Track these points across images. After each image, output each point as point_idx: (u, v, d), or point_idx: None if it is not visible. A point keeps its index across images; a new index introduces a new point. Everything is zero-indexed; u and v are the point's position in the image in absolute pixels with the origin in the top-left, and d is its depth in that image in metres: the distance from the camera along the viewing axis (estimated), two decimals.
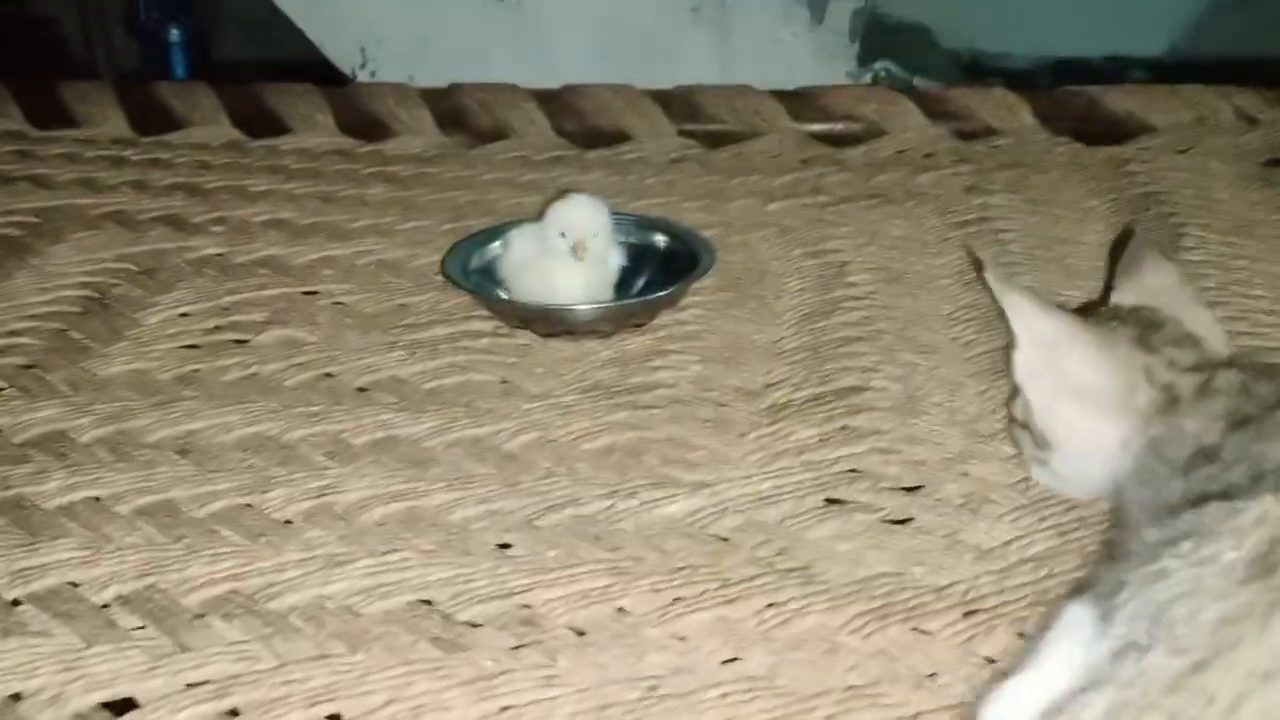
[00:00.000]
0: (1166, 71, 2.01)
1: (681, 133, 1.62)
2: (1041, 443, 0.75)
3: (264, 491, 0.88)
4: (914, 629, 0.71)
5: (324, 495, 0.88)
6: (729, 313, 1.12)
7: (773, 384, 0.99)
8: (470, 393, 1.01)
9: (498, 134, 1.64)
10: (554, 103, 1.71)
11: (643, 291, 1.12)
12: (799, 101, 1.66)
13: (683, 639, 0.72)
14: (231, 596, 0.77)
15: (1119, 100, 1.57)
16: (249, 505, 0.87)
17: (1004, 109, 1.58)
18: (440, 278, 1.17)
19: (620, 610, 0.74)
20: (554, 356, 1.06)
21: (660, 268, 1.13)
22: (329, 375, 1.05)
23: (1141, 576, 0.54)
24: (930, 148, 1.50)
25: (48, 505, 0.88)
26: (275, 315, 1.16)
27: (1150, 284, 0.78)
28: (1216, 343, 0.74)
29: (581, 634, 0.72)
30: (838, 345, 1.05)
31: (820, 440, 0.91)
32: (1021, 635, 0.70)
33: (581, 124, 1.67)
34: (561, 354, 1.07)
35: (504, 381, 1.03)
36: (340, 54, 2.25)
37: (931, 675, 0.68)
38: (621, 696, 0.67)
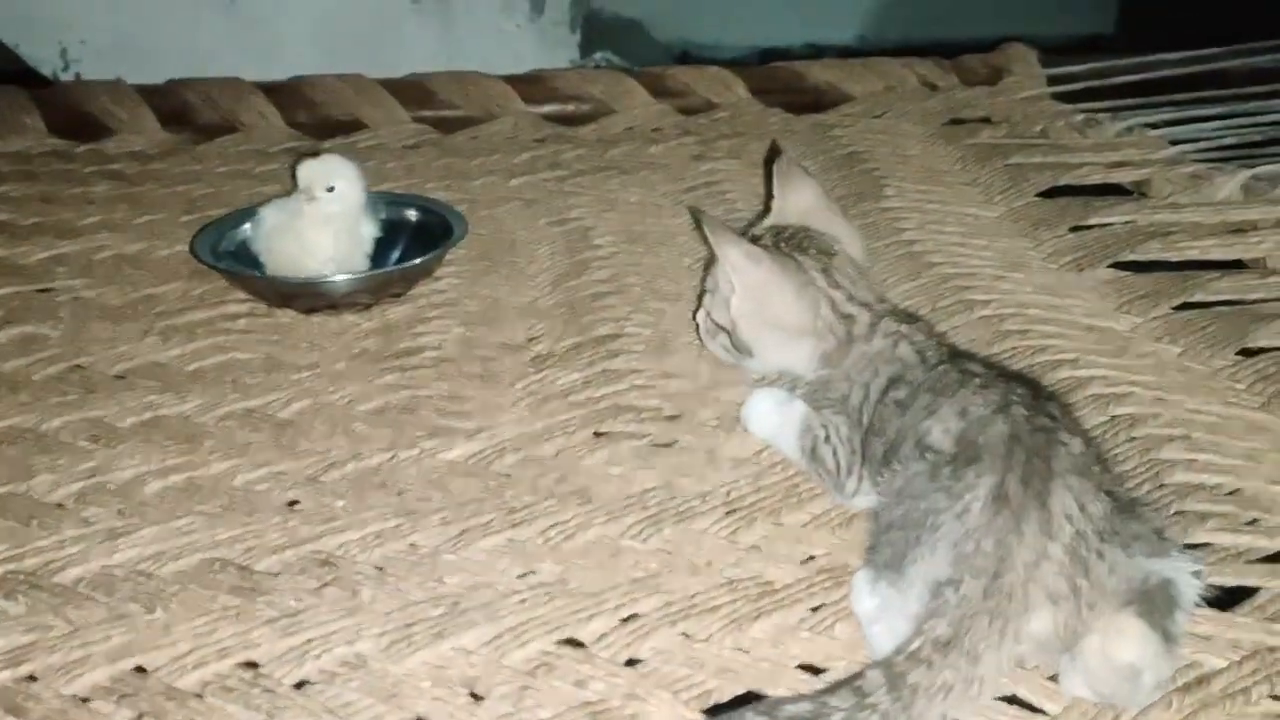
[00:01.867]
0: (857, 57, 2.20)
1: (416, 119, 1.66)
2: (743, 350, 0.90)
3: (28, 478, 0.88)
4: (685, 528, 0.79)
5: (94, 476, 0.88)
6: (484, 279, 1.18)
7: (534, 338, 1.06)
8: (235, 370, 1.03)
9: (225, 129, 1.63)
10: (283, 94, 1.71)
11: (398, 264, 1.16)
12: (529, 85, 1.73)
13: (476, 562, 0.77)
14: (10, 576, 0.77)
15: (820, 73, 1.72)
16: (13, 493, 0.86)
17: (720, 85, 1.70)
18: (186, 267, 1.18)
19: (413, 545, 0.79)
20: (317, 331, 1.09)
21: (413, 241, 1.18)
22: (79, 367, 1.04)
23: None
24: (656, 123, 1.60)
25: None
26: (10, 315, 1.14)
27: (799, 197, 0.94)
28: (857, 250, 0.92)
29: (379, 569, 0.76)
30: (591, 300, 1.12)
31: (584, 382, 0.98)
32: (778, 524, 0.79)
33: (313, 115, 1.68)
34: (324, 328, 1.09)
35: (268, 358, 1.05)
36: (39, 56, 2.15)
37: (708, 564, 0.76)
38: (425, 614, 0.72)
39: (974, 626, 0.63)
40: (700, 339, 0.96)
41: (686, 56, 2.67)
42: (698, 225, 1.00)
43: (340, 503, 0.83)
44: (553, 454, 0.89)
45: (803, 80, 1.73)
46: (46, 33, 2.17)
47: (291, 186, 1.15)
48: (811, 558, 0.76)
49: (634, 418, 0.93)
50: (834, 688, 0.62)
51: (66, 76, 2.16)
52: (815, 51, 2.90)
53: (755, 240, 0.91)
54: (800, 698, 0.62)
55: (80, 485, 0.87)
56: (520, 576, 0.76)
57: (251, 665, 0.69)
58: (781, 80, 1.74)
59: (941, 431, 0.73)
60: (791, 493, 0.82)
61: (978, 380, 0.76)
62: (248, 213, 1.20)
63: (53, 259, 1.25)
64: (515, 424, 0.92)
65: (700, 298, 0.96)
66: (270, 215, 1.14)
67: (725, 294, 0.89)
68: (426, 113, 1.69)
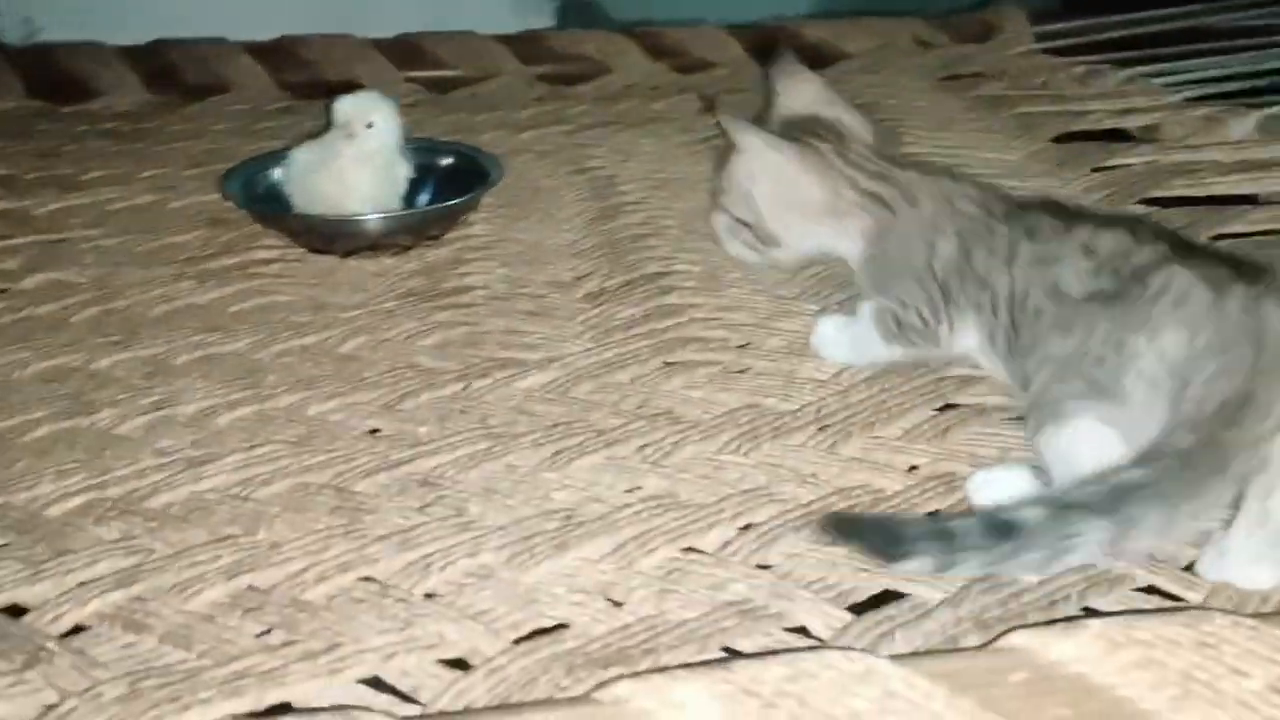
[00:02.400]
0: None
1: (409, 80, 1.64)
2: (769, 241, 0.94)
3: (90, 414, 0.85)
4: (782, 444, 0.79)
5: (160, 409, 0.85)
6: (517, 224, 1.17)
7: (582, 276, 1.05)
8: (280, 311, 1.01)
9: (214, 89, 1.59)
10: (271, 55, 1.68)
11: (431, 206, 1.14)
12: (523, 44, 1.72)
13: (579, 479, 0.76)
14: (96, 504, 0.75)
15: (815, 31, 1.73)
16: (77, 426, 0.83)
17: (716, 45, 1.70)
18: (204, 216, 1.16)
19: (510, 465, 0.78)
20: (356, 274, 1.07)
21: (443, 185, 1.16)
22: (115, 310, 1.01)
23: None
24: (655, 81, 1.60)
25: None
26: (31, 261, 1.10)
27: (802, 91, 0.98)
28: (865, 132, 0.95)
29: (483, 488, 0.75)
30: (631, 241, 1.12)
31: (644, 316, 0.97)
32: (875, 438, 0.79)
33: (303, 74, 1.65)
34: (363, 270, 1.07)
35: (311, 299, 1.03)
36: (4, 26, 2.08)
37: (812, 475, 0.76)
38: (540, 528, 0.71)
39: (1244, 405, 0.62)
40: (721, 241, 0.98)
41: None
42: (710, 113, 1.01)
43: (424, 429, 0.82)
44: (628, 380, 0.88)
45: (798, 39, 1.73)
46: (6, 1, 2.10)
47: (323, 126, 1.13)
48: (914, 467, 0.77)
49: (702, 347, 0.93)
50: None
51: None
52: (774, 27, 2.93)
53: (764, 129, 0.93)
54: None
55: (147, 419, 0.84)
56: (627, 491, 0.75)
57: (371, 580, 0.67)
58: (776, 39, 1.74)
59: (1074, 274, 0.75)
60: (881, 408, 0.82)
61: (1087, 221, 0.79)
62: (275, 156, 1.17)
63: (64, 211, 1.22)
64: (584, 355, 0.92)
65: (714, 200, 0.98)
66: (303, 156, 1.12)
67: (745, 187, 0.92)
68: (419, 73, 1.67)
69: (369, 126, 1.08)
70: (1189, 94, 1.41)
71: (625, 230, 1.14)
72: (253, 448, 0.80)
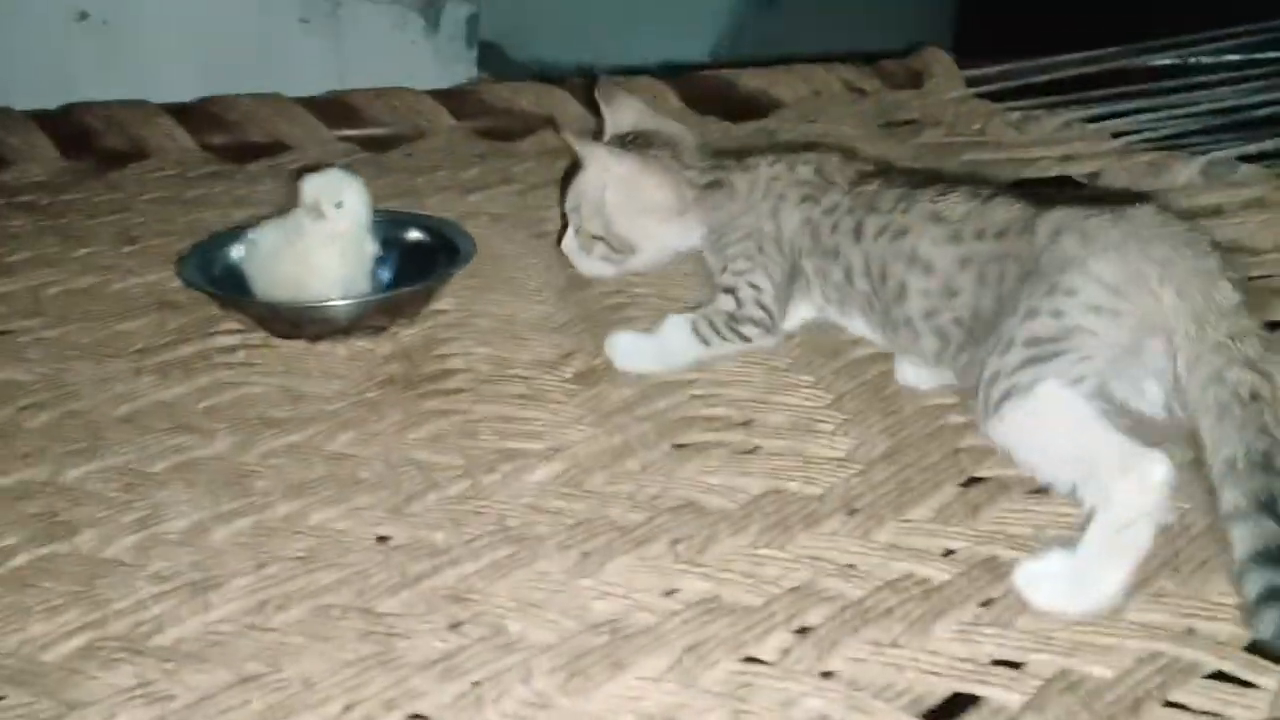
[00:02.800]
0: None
1: (341, 139, 1.59)
2: (624, 249, 1.01)
3: (70, 536, 0.79)
4: (815, 532, 0.77)
5: (147, 526, 0.80)
6: (485, 296, 1.13)
7: (567, 355, 1.02)
8: (255, 405, 0.95)
9: (132, 154, 1.52)
10: (192, 116, 1.62)
11: (393, 286, 1.10)
12: (455, 99, 1.68)
13: (615, 584, 0.73)
14: (98, 644, 0.69)
15: (749, 80, 1.73)
16: (58, 553, 0.77)
17: (652, 94, 1.69)
18: (148, 299, 1.10)
19: (540, 573, 0.74)
20: (327, 359, 1.02)
21: (407, 259, 1.11)
22: (75, 413, 0.95)
23: None
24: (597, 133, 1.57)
25: None
26: None
27: (627, 111, 1.05)
28: (690, 140, 1.03)
29: (517, 600, 0.71)
30: (609, 312, 1.09)
31: (640, 396, 0.95)
32: (906, 520, 0.78)
33: (228, 136, 1.60)
34: (334, 355, 1.03)
35: (286, 390, 0.98)
36: None
37: (849, 566, 0.74)
38: (589, 644, 0.68)
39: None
40: (576, 263, 1.04)
41: (542, 76, 2.66)
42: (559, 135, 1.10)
43: (439, 534, 0.78)
44: (639, 468, 0.86)
45: (733, 88, 1.73)
46: None
47: (288, 205, 1.08)
48: (951, 551, 0.75)
49: (706, 426, 0.91)
50: None
51: None
52: (670, 69, 2.96)
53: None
54: None
55: (135, 538, 0.79)
56: (667, 595, 0.72)
57: (422, 719, 0.63)
58: (710, 88, 1.74)
59: (931, 242, 0.82)
60: (906, 488, 0.81)
61: (925, 190, 0.86)
62: (228, 235, 1.12)
63: None
64: (588, 442, 0.88)
65: (562, 231, 1.04)
66: (266, 237, 1.07)
67: (596, 200, 0.98)
68: (351, 131, 1.62)
69: (338, 206, 1.03)
70: (1130, 138, 1.44)
71: (599, 301, 1.11)
72: (259, 567, 0.75)
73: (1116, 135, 1.47)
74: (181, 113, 1.61)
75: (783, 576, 0.73)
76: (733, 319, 0.95)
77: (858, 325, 0.93)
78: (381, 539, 0.79)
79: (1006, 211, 0.78)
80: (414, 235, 1.13)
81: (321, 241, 1.03)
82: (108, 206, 1.36)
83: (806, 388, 0.95)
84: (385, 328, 1.05)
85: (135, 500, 0.83)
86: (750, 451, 0.88)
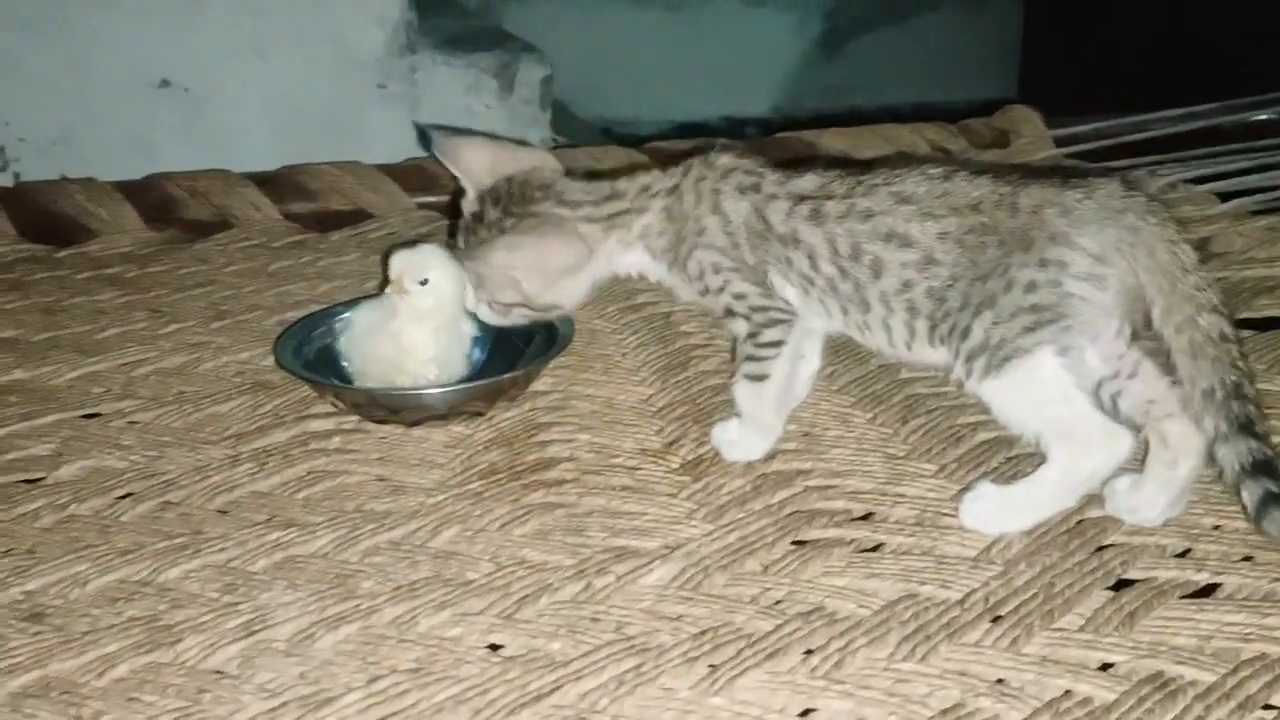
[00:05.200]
0: (774, 127, 2.23)
1: (421, 206, 1.57)
2: (549, 309, 0.98)
3: (173, 643, 0.76)
4: (959, 643, 0.72)
5: (251, 633, 0.76)
6: (582, 377, 1.09)
7: (672, 442, 0.98)
8: (353, 496, 0.92)
9: (216, 225, 1.51)
10: (275, 185, 1.61)
11: (485, 368, 1.06)
12: None
13: (749, 703, 0.68)
14: None
15: (831, 141, 1.69)
16: (160, 662, 0.74)
17: None
18: (241, 380, 1.08)
19: (666, 690, 0.70)
20: (426, 447, 0.99)
21: (497, 339, 1.08)
22: (171, 504, 0.92)
23: None
24: None
25: None
26: (65, 447, 1.01)
27: (478, 161, 0.97)
28: (554, 165, 0.98)
29: None
30: (711, 394, 1.05)
31: (753, 489, 0.90)
32: (1057, 629, 0.73)
33: (311, 205, 1.58)
34: (432, 442, 0.99)
35: (384, 480, 0.95)
36: None
37: (998, 681, 0.69)
38: None
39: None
40: (489, 320, 1.00)
41: (608, 133, 2.66)
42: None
43: (555, 645, 0.74)
44: (760, 569, 0.81)
45: (815, 149, 1.70)
46: None
47: (382, 281, 1.05)
48: (1109, 665, 0.70)
49: (827, 522, 0.86)
50: None
51: (3, 177, 2.01)
52: (731, 123, 2.95)
53: (484, 219, 0.95)
54: None
55: (239, 646, 0.75)
56: (802, 715, 0.68)
57: None
58: (795, 150, 1.71)
59: (904, 220, 0.83)
60: (1051, 592, 0.76)
61: (873, 173, 0.87)
62: (324, 315, 1.10)
63: (85, 379, 1.13)
64: (704, 540, 0.84)
65: (466, 293, 1.00)
66: (361, 317, 1.04)
67: (504, 281, 0.94)
68: (431, 198, 1.60)
69: (423, 283, 1.00)
70: (1238, 201, 1.39)
71: (700, 381, 1.08)
72: (371, 681, 0.71)
73: (1223, 197, 1.41)
74: (265, 182, 1.60)
75: (930, 695, 0.68)
76: (753, 338, 0.92)
77: (819, 312, 0.90)
78: (494, 648, 0.75)
79: (974, 187, 0.83)
80: None
81: (413, 320, 1.01)
82: (194, 279, 1.35)
83: (929, 477, 0.90)
84: (484, 413, 1.02)
85: (238, 603, 0.79)
86: (875, 549, 0.83)
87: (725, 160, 0.92)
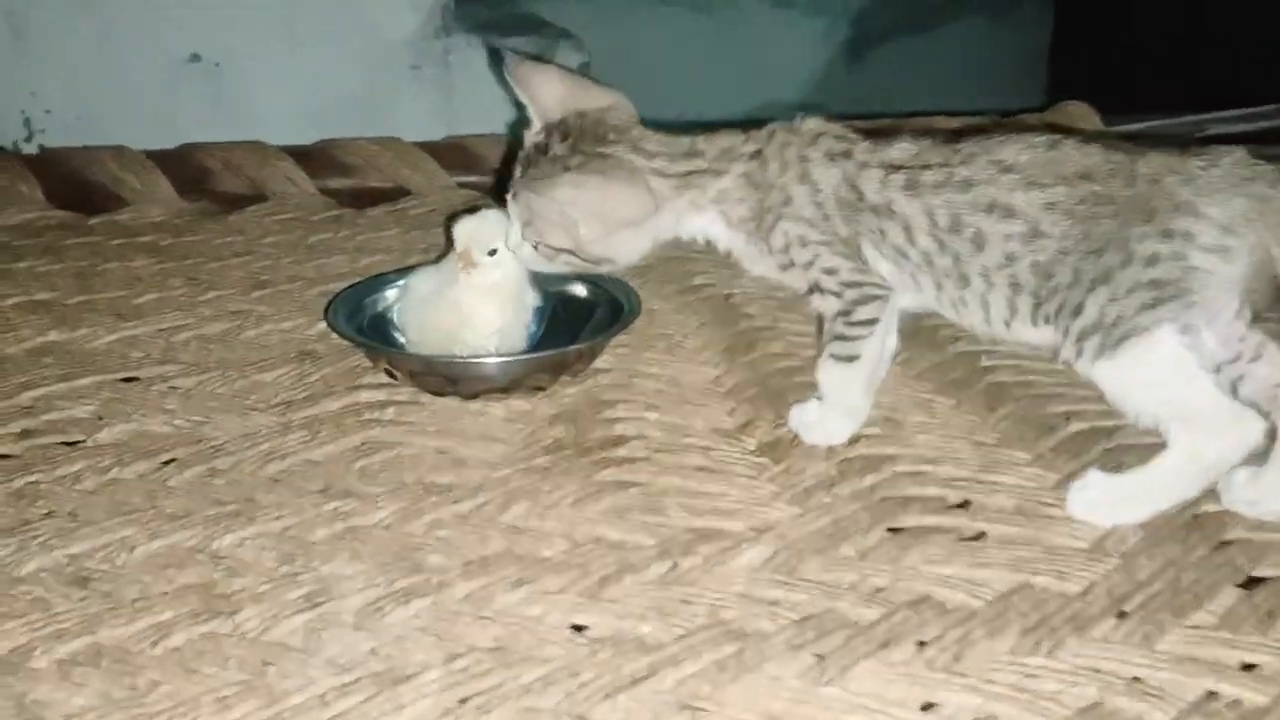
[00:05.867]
0: None
1: (461, 185, 1.52)
2: (599, 262, 0.88)
3: (230, 613, 0.69)
4: (1085, 638, 0.66)
5: (315, 604, 0.70)
6: (644, 356, 1.04)
7: (746, 424, 0.92)
8: (411, 467, 0.86)
9: (251, 197, 1.46)
10: (312, 159, 1.55)
11: (542, 341, 1.00)
12: None
13: (862, 694, 0.62)
14: None
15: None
16: (218, 632, 0.68)
17: None
18: (285, 348, 1.02)
19: (773, 679, 0.64)
20: (484, 421, 0.93)
21: (557, 313, 1.02)
22: (218, 471, 0.86)
23: None
24: None
25: None
26: (104, 408, 0.95)
27: (550, 92, 0.89)
28: (630, 109, 0.89)
29: (755, 712, 0.61)
30: (782, 378, 0.99)
31: (838, 474, 0.85)
32: (1192, 627, 0.67)
33: (348, 180, 1.53)
34: (490, 415, 0.93)
35: (444, 452, 0.89)
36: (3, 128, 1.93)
37: (1135, 679, 0.63)
38: None
39: None
40: (531, 267, 0.92)
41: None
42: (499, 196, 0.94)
43: (645, 627, 0.68)
44: (855, 555, 0.75)
45: None
46: (6, 102, 1.94)
47: (444, 250, 0.99)
48: (1252, 666, 0.64)
49: (922, 509, 0.80)
50: None
51: (29, 148, 1.94)
52: (757, 126, 2.90)
53: (547, 152, 0.87)
54: None
55: (303, 618, 0.69)
56: (925, 710, 0.62)
57: None
58: None
59: (1008, 191, 0.77)
60: (1178, 587, 0.70)
61: (968, 142, 0.81)
62: (377, 283, 1.04)
63: (124, 343, 1.07)
64: (793, 523, 0.78)
65: (509, 231, 0.91)
66: (418, 284, 0.98)
67: (558, 222, 0.85)
68: (472, 177, 1.54)
69: (491, 254, 0.94)
70: None
71: (770, 363, 1.02)
72: (449, 660, 0.65)
73: None
74: (301, 156, 1.54)
75: (1061, 693, 0.62)
76: (845, 316, 0.85)
77: (910, 288, 0.84)
78: (577, 628, 0.68)
79: (1083, 155, 0.77)
80: (576, 291, 1.04)
81: (476, 291, 0.94)
82: (230, 249, 1.29)
83: (1024, 466, 0.85)
84: (545, 388, 0.96)
85: (298, 573, 0.73)
86: (976, 538, 0.77)
87: (812, 125, 0.86)
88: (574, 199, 0.85)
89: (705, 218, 0.88)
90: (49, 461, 0.87)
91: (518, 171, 0.89)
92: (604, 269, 0.90)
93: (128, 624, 0.68)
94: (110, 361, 1.03)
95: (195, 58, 2.00)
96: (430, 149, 1.59)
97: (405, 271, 1.03)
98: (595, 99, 0.89)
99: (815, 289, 0.86)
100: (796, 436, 0.89)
